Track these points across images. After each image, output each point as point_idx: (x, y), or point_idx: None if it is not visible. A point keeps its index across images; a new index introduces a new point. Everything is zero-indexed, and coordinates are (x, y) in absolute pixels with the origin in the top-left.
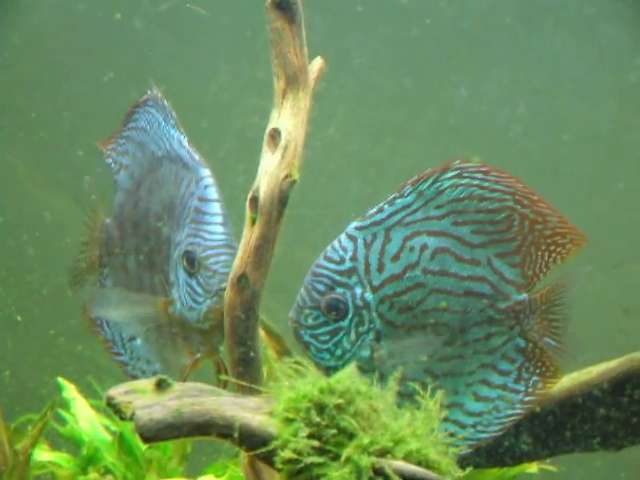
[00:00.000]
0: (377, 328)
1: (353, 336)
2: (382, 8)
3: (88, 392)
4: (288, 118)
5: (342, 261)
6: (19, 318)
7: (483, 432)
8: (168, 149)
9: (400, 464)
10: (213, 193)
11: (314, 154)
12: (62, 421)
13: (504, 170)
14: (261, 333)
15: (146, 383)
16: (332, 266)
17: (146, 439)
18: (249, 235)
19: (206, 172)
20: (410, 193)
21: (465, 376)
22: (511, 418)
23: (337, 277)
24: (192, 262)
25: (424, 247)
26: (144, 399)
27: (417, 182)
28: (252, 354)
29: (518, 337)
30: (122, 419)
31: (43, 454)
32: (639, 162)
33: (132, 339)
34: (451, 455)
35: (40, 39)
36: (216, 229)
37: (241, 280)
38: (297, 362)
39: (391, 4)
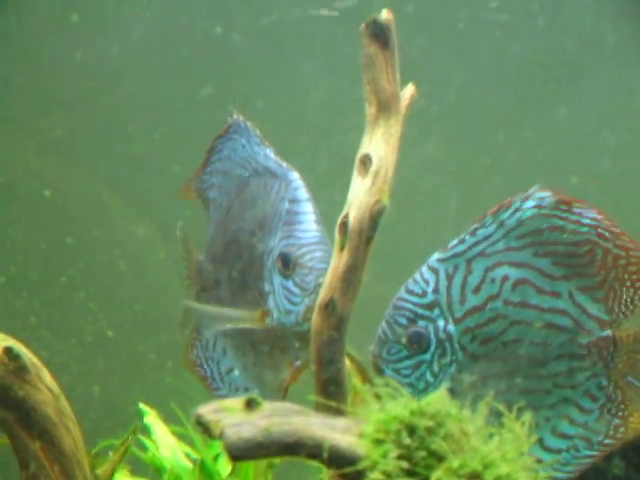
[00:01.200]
0: (459, 360)
1: (436, 368)
2: (482, 25)
3: (170, 418)
4: (379, 144)
5: (424, 294)
6: (110, 333)
7: (559, 470)
8: (254, 166)
9: None
10: (303, 193)
11: (411, 172)
12: (144, 447)
13: (586, 201)
14: (347, 363)
15: (235, 402)
16: (414, 299)
17: (235, 457)
18: (337, 260)
19: (295, 175)
20: (491, 223)
21: (545, 410)
22: (588, 459)
23: (419, 310)
24: (287, 263)
25: (505, 278)
26: (233, 418)
27: (497, 212)
28: (339, 377)
29: (602, 374)
30: (211, 437)
31: (124, 479)
32: None
33: (230, 371)
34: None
35: (138, 53)
36: (309, 227)
37: (329, 306)
38: (387, 384)
39: (492, 22)
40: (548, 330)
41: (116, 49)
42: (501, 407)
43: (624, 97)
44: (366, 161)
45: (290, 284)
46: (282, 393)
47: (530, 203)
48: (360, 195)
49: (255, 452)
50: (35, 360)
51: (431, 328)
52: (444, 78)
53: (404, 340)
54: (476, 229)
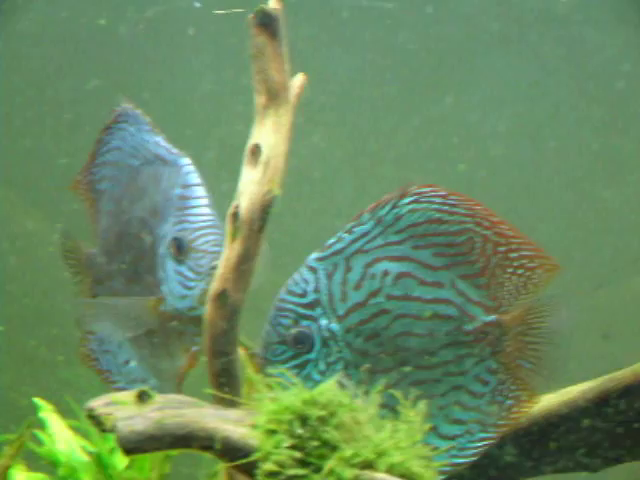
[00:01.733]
0: (346, 357)
1: (322, 367)
2: (367, 13)
3: (66, 411)
4: (269, 134)
5: (305, 294)
6: (1, 328)
7: (457, 457)
8: (145, 155)
9: (383, 476)
10: (195, 178)
11: (299, 162)
12: (39, 441)
13: (462, 194)
14: (240, 351)
15: (127, 395)
16: (295, 299)
17: (127, 451)
18: (229, 251)
19: (185, 160)
20: (368, 220)
21: (437, 399)
22: (485, 442)
23: (301, 310)
24: (181, 247)
25: (385, 273)
26: (125, 411)
27: (375, 209)
28: (232, 368)
29: (490, 359)
30: (103, 431)
31: (20, 474)
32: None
33: (126, 363)
34: (434, 468)
35: (23, 46)
36: (202, 211)
37: (221, 297)
38: (280, 373)
39: (377, 9)
40: (433, 320)
41: (0, 43)
42: (394, 396)
43: (510, 83)
44: (256, 151)
45: (184, 269)
46: (179, 380)
47: (407, 199)
48: (251, 185)
49: (148, 445)
50: None
51: (314, 327)
52: (330, 67)
53: (289, 341)
54: (353, 227)
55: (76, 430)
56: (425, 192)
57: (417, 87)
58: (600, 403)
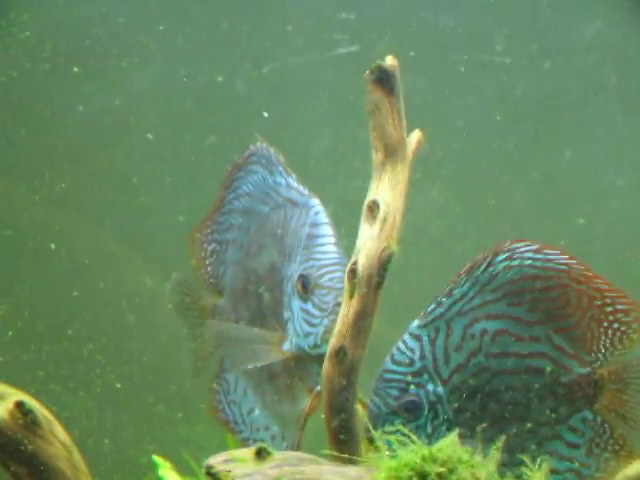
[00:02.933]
0: (449, 417)
1: (429, 430)
2: (485, 68)
3: (184, 469)
4: (387, 190)
5: (412, 363)
6: (118, 385)
7: None
8: (276, 199)
9: None
10: (323, 217)
11: (417, 218)
12: None
13: (556, 247)
14: (358, 408)
15: (246, 452)
16: (402, 369)
17: None
18: (347, 307)
19: (315, 201)
20: (465, 282)
21: (534, 450)
22: None
23: (409, 379)
24: (306, 285)
25: (484, 332)
26: (244, 468)
27: (471, 270)
28: (350, 424)
29: (585, 410)
30: None
31: None
32: None
33: (251, 412)
34: None
35: (141, 104)
36: (328, 249)
37: (339, 353)
38: (398, 430)
39: (495, 64)
40: (529, 374)
41: (119, 100)
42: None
43: (628, 137)
44: (374, 208)
45: (309, 306)
46: (301, 422)
47: (501, 257)
48: (368, 242)
49: None
50: (47, 414)
51: (422, 393)
52: (448, 122)
53: (398, 410)
54: (451, 289)
55: None
56: (518, 248)
57: (535, 141)
58: None
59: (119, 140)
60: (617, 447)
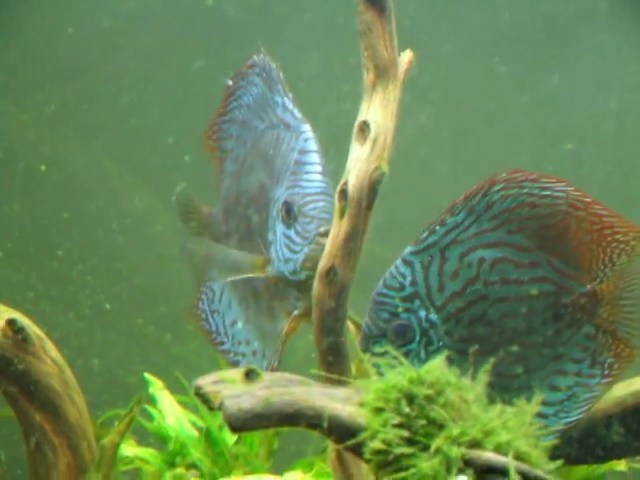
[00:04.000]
0: (446, 345)
1: (423, 356)
2: None
3: (175, 387)
4: (377, 111)
5: (402, 287)
6: (108, 306)
7: (565, 417)
8: (271, 118)
9: (490, 455)
10: (312, 145)
11: (405, 141)
12: (149, 416)
13: (553, 175)
14: (349, 326)
15: (235, 373)
16: (393, 293)
17: (234, 429)
18: (338, 228)
19: (306, 127)
20: (460, 211)
21: (540, 371)
22: (591, 401)
23: (400, 303)
24: (290, 211)
25: (481, 261)
26: (233, 389)
27: (466, 199)
28: (340, 345)
29: (587, 325)
30: (210, 409)
31: (130, 449)
32: None
33: (233, 324)
34: (542, 447)
35: (131, 26)
36: (314, 177)
37: (330, 273)
38: (386, 352)
39: None
40: (531, 299)
41: (108, 22)
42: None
43: (618, 61)
44: (364, 128)
45: (292, 232)
46: (280, 343)
47: (497, 186)
48: (359, 162)
49: (255, 423)
50: (39, 332)
51: (414, 319)
52: (436, 46)
53: (389, 334)
54: (445, 218)
55: (186, 406)
56: (515, 178)
57: (524, 66)
58: None
59: (108, 62)
60: (619, 350)
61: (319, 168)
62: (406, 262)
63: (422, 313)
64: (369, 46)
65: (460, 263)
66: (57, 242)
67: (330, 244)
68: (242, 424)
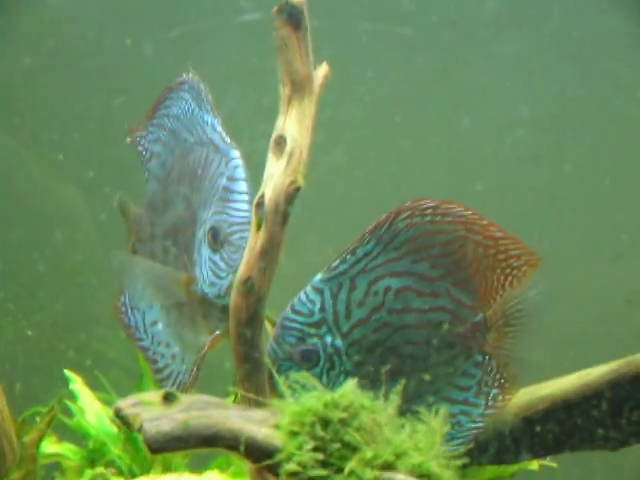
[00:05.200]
0: (347, 369)
1: (325, 380)
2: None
3: (95, 385)
4: (293, 125)
5: (311, 314)
6: (30, 333)
7: (448, 445)
8: (200, 135)
9: (403, 477)
10: (241, 173)
11: (320, 178)
12: (69, 413)
13: (453, 201)
14: (267, 326)
15: (154, 395)
16: (301, 319)
17: (153, 450)
18: (254, 240)
19: (236, 153)
20: (369, 240)
21: (429, 397)
22: (473, 431)
23: (307, 329)
24: (216, 237)
25: (388, 289)
26: (152, 411)
27: (374, 229)
28: (257, 354)
29: (476, 354)
30: (130, 431)
31: (51, 446)
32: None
33: (154, 324)
34: (453, 467)
35: (50, 66)
36: (242, 206)
37: (246, 283)
38: (302, 376)
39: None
40: (429, 328)
41: (28, 60)
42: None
43: (522, 104)
44: (281, 142)
45: (217, 258)
46: (199, 359)
47: (402, 215)
48: (275, 176)
49: (173, 445)
50: None
51: (319, 344)
52: (351, 88)
53: (295, 358)
54: (356, 248)
55: (105, 402)
56: (419, 206)
57: (434, 113)
58: (615, 386)
59: (28, 99)
60: (503, 381)
61: (246, 197)
62: (316, 289)
63: (328, 339)
64: (285, 61)
65: (368, 291)
66: None
67: (247, 255)
68: (161, 446)
